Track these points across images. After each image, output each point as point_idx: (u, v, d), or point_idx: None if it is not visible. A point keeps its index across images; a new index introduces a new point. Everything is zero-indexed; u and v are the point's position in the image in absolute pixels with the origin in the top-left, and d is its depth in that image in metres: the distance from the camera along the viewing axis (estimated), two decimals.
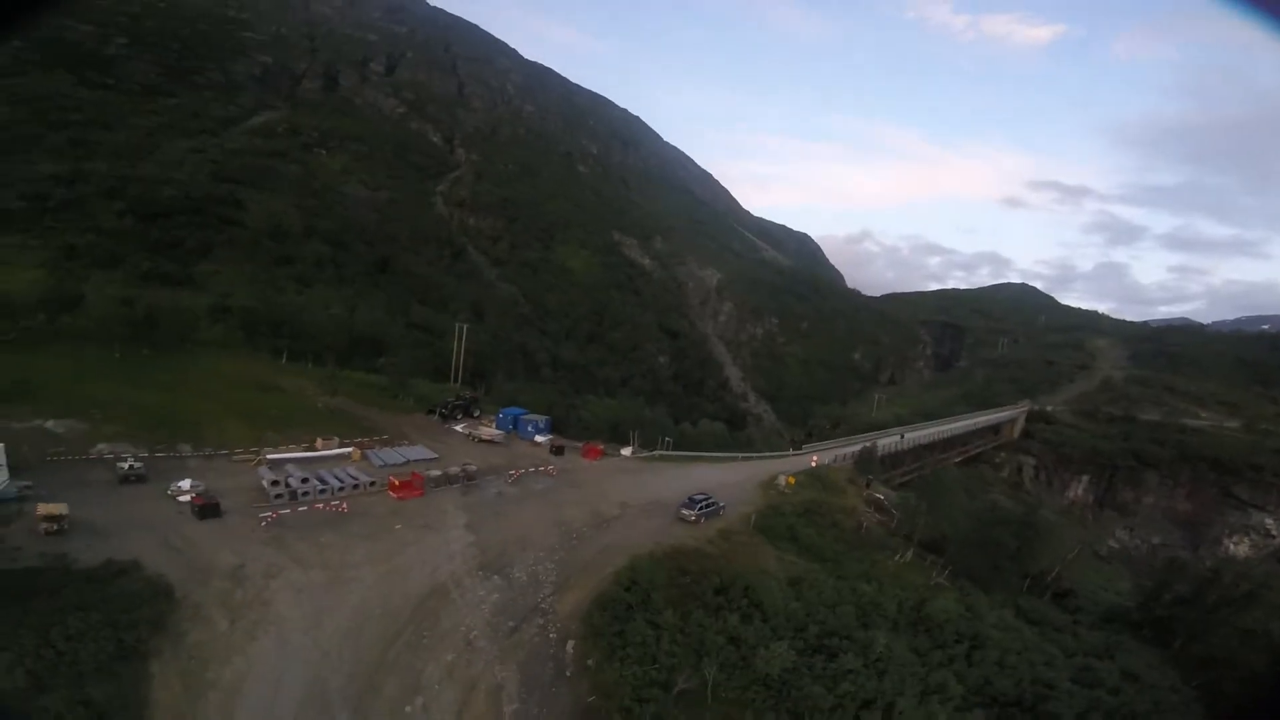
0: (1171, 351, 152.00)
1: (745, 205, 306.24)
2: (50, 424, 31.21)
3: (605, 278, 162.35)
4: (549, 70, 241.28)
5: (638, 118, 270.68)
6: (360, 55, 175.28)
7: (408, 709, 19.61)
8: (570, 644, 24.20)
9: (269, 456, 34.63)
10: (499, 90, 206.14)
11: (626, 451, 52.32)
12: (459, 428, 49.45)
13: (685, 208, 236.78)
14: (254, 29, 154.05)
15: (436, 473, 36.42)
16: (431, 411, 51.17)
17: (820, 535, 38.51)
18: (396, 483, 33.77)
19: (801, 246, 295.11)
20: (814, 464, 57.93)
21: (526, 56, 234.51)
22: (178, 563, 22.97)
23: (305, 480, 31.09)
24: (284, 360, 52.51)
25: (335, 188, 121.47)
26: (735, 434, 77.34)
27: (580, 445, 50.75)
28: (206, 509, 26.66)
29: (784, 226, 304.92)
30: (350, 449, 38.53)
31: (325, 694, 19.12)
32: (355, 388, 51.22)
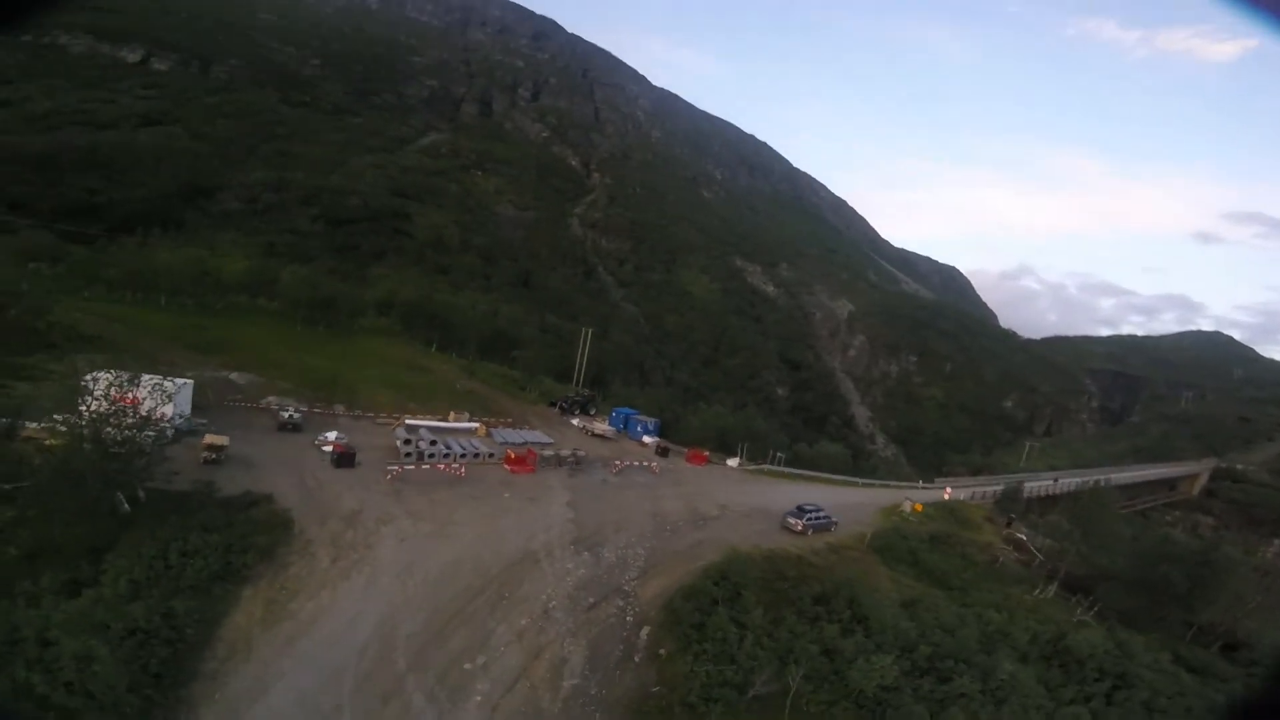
0: None
1: (885, 235, 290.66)
2: (234, 375, 36.93)
3: (725, 303, 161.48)
4: (676, 96, 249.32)
5: (765, 143, 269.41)
6: (510, 80, 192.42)
7: (467, 665, 19.70)
8: (645, 630, 23.69)
9: (407, 421, 38.08)
10: (630, 116, 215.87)
11: (733, 462, 51.04)
12: (575, 421, 51.52)
13: (816, 235, 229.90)
14: (421, 54, 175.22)
15: (549, 453, 37.99)
16: (553, 404, 53.91)
17: (945, 562, 34.79)
18: (512, 455, 35.68)
19: (948, 280, 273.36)
20: (947, 496, 52.58)
21: (654, 83, 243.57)
22: (306, 501, 25.76)
23: (433, 443, 33.84)
24: (433, 349, 58.18)
25: (488, 207, 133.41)
26: (859, 462, 72.48)
27: (685, 451, 50.50)
28: (343, 457, 29.77)
29: (928, 258, 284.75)
30: (477, 425, 41.40)
31: (392, 638, 19.70)
32: (490, 376, 55.57)
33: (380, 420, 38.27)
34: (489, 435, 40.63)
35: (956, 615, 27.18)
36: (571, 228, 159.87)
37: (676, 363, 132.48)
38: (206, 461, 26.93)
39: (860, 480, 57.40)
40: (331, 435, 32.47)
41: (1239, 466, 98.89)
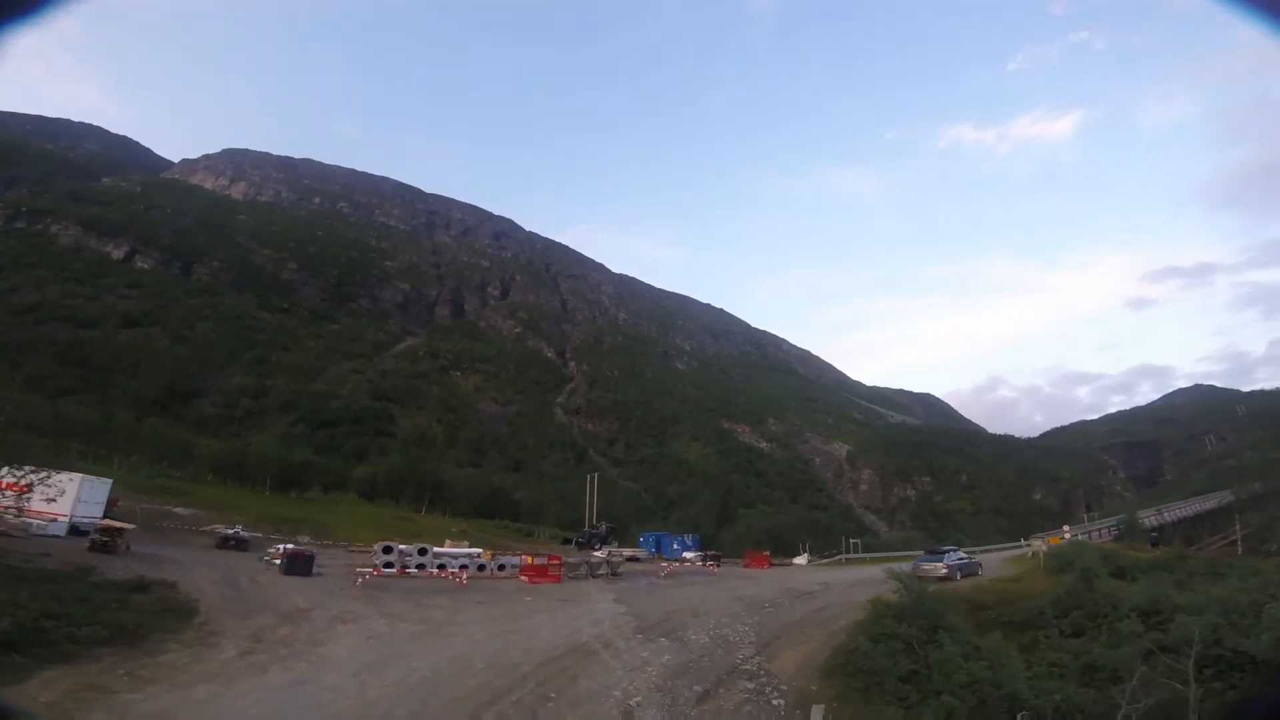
0: None
1: (856, 377, 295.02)
2: (179, 509, 27.43)
3: (724, 464, 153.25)
4: (635, 279, 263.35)
5: (723, 310, 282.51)
6: (478, 280, 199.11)
7: None
8: (818, 710, 13.29)
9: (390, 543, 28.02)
10: (595, 303, 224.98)
11: (800, 560, 40.82)
12: (597, 554, 41.02)
13: (792, 388, 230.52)
14: (393, 257, 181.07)
15: (576, 560, 27.92)
16: (568, 541, 43.36)
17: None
18: (530, 560, 25.62)
19: (928, 406, 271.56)
20: (1067, 534, 42.26)
21: (613, 269, 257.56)
22: (229, 596, 16.05)
23: (423, 552, 23.97)
24: (423, 510, 48.32)
25: (471, 405, 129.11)
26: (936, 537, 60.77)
27: (739, 561, 40.03)
28: (296, 560, 20.02)
29: (902, 389, 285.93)
30: (480, 550, 31.18)
31: None
32: (489, 529, 45.29)
33: (355, 548, 28.02)
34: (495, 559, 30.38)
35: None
36: (556, 416, 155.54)
37: (688, 527, 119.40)
38: (94, 547, 17.79)
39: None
40: (283, 547, 22.61)
41: None
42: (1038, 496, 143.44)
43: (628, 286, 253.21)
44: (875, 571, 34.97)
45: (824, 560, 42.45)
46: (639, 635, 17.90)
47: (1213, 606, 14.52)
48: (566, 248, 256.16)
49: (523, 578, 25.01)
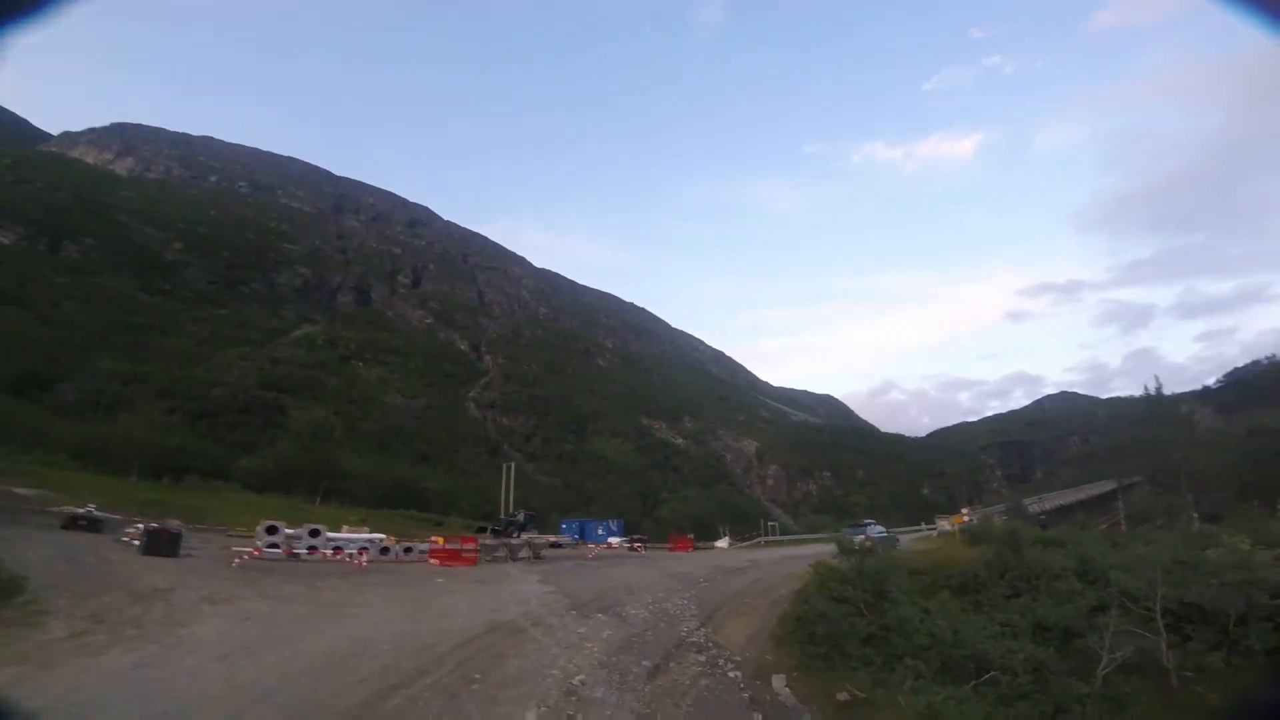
0: (1264, 395, 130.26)
1: (765, 378, 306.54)
2: (21, 490, 21.89)
3: (642, 460, 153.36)
4: (558, 275, 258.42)
5: (644, 309, 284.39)
6: (388, 267, 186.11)
7: None
8: (779, 680, 11.92)
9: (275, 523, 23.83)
10: (515, 297, 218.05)
11: (722, 543, 40.44)
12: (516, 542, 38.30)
13: (707, 387, 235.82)
14: (294, 241, 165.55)
15: (492, 541, 25.32)
16: (484, 529, 40.14)
17: None
18: (441, 541, 22.78)
19: (829, 407, 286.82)
20: (966, 515, 45.28)
21: (536, 264, 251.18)
22: (66, 574, 12.38)
23: (315, 534, 20.50)
24: (319, 501, 43.01)
25: (374, 397, 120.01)
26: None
27: (665, 546, 38.91)
28: (158, 538, 16.07)
29: (806, 391, 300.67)
30: (385, 535, 27.61)
31: None
32: (395, 519, 40.92)
33: (234, 532, 23.57)
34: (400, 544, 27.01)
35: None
36: (468, 410, 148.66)
37: (613, 516, 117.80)
38: None
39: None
40: (150, 525, 18.22)
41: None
42: (926, 491, 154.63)
43: (550, 282, 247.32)
44: (796, 551, 34.81)
45: (744, 543, 42.43)
46: (573, 612, 15.89)
47: (1145, 564, 14.77)
48: (486, 239, 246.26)
49: (433, 561, 22.17)
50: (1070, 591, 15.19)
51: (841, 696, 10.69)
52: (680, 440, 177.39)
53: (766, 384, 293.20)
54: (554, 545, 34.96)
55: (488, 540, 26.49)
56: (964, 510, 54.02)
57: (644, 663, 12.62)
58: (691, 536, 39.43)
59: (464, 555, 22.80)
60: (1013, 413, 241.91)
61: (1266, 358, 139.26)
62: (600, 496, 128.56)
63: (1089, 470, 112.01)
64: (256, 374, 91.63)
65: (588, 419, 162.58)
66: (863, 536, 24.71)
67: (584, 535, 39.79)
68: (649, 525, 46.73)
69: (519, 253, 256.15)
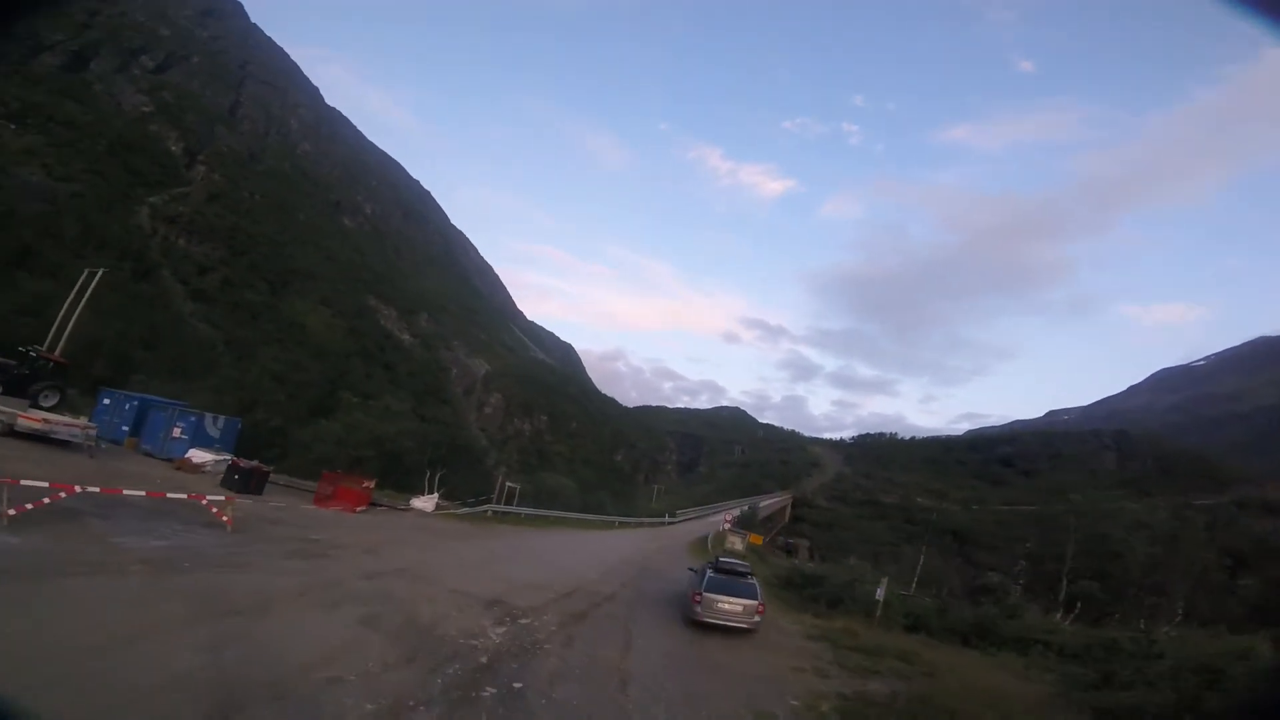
0: (876, 454, 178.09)
1: (520, 307, 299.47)
2: None
3: (350, 344, 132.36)
4: (345, 120, 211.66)
5: (429, 192, 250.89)
6: (138, 45, 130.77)
7: None
8: None
9: None
10: (279, 120, 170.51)
11: (423, 502, 30.20)
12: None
13: (459, 294, 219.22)
14: None
15: None
16: None
17: None
18: None
19: (566, 355, 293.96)
20: (728, 523, 46.73)
21: (327, 101, 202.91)
22: None
23: None
24: None
25: (5, 168, 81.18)
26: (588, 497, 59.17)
27: (315, 487, 26.78)
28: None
29: (553, 334, 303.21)
30: None
31: None
32: None
33: None
34: None
35: None
36: (138, 217, 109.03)
37: (277, 408, 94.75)
38: None
39: (618, 520, 46.67)
40: None
41: (809, 495, 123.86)
42: (618, 458, 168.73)
43: (332, 124, 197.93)
44: (574, 554, 27.10)
45: (464, 508, 31.21)
46: None
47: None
48: (282, 53, 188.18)
49: None
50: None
51: None
52: (408, 337, 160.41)
53: (521, 314, 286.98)
54: (39, 433, 21.49)
55: None
56: (726, 517, 51.44)
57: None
58: (370, 485, 26.72)
59: None
60: (698, 411, 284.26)
61: (889, 433, 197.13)
62: (273, 372, 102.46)
63: (745, 480, 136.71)
64: None
65: (299, 276, 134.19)
66: (741, 601, 15.98)
67: (143, 429, 26.55)
68: (300, 451, 35.05)
69: (314, 81, 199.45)
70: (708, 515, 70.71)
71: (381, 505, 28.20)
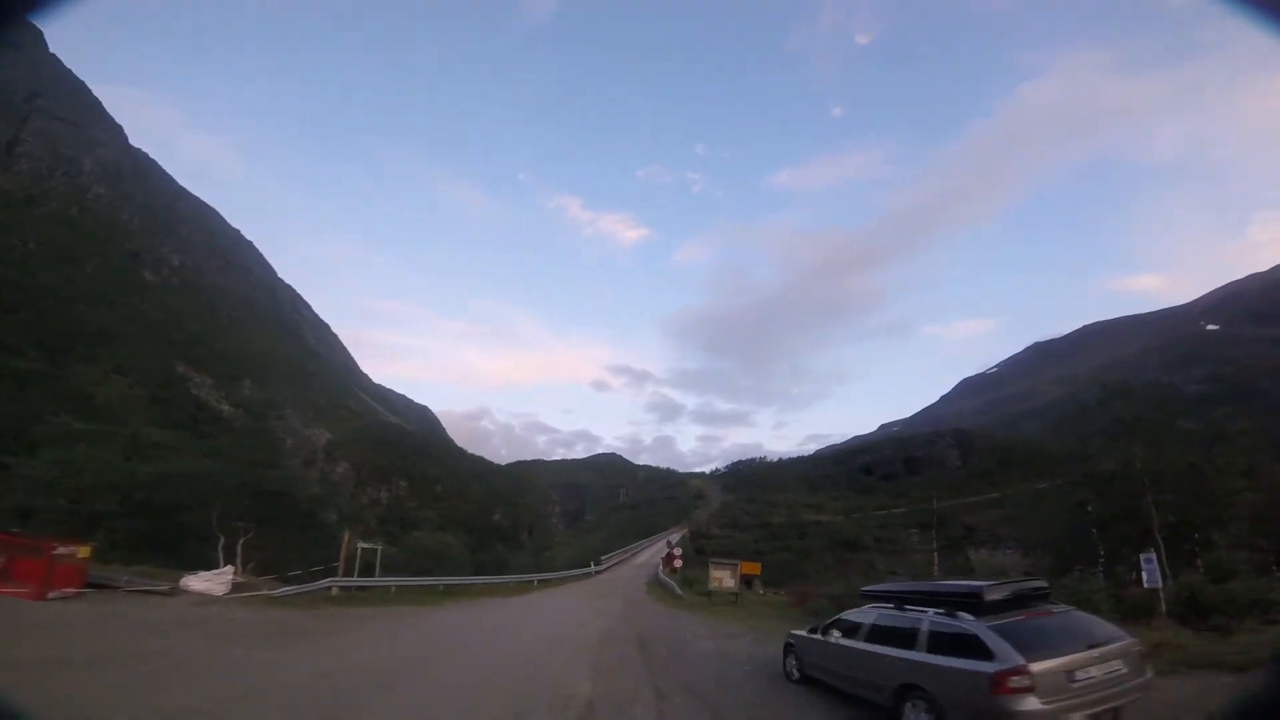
0: (750, 480, 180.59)
1: (365, 369, 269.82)
2: None
3: (151, 416, 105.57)
4: (153, 161, 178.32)
5: (251, 242, 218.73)
6: None
7: None
8: None
9: None
10: (70, 160, 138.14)
11: (204, 582, 19.37)
12: None
13: (294, 355, 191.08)
14: None
15: None
16: None
17: None
18: None
19: (422, 417, 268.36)
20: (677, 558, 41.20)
21: (132, 141, 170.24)
22: None
23: None
24: None
25: None
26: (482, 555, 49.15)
27: None
28: None
29: (405, 396, 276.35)
30: None
31: None
32: None
33: None
34: None
35: None
36: None
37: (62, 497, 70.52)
38: None
39: (536, 578, 37.48)
40: None
41: (704, 527, 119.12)
42: (496, 517, 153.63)
43: (135, 164, 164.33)
44: (513, 633, 17.85)
45: (288, 587, 21.83)
46: None
47: None
48: (87, 91, 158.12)
49: None
50: None
51: None
52: (227, 408, 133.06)
53: (366, 377, 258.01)
54: None
55: None
56: (674, 548, 45.79)
57: None
58: (79, 551, 16.56)
59: None
60: (575, 461, 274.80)
61: (759, 457, 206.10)
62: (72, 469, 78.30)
63: (641, 521, 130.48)
64: None
65: (89, 337, 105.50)
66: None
67: None
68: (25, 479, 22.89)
69: (118, 120, 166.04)
70: (629, 559, 67.47)
71: (116, 586, 17.62)
